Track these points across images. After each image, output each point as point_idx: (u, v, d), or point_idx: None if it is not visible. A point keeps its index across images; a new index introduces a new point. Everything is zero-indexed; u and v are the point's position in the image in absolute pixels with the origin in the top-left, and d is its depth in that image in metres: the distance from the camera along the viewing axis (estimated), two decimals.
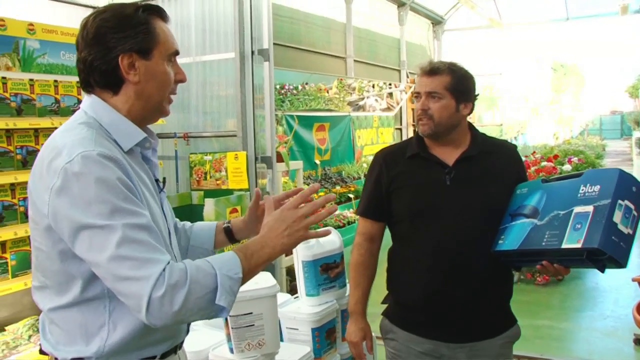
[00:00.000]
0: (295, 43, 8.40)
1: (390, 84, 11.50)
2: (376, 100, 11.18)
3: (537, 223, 1.77)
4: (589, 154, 7.92)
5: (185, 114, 4.99)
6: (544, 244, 1.71)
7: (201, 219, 4.09)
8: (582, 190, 1.71)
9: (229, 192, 4.52)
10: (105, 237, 1.20)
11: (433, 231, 1.94)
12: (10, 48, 3.85)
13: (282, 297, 2.50)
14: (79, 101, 3.73)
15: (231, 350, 1.87)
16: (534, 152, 7.72)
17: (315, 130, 8.79)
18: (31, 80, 3.62)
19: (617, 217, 1.60)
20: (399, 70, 11.91)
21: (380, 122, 10.79)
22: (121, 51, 1.34)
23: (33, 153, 3.42)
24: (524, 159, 7.08)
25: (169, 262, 1.22)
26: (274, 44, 7.57)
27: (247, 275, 1.32)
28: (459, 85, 1.97)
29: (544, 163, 6.28)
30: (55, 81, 3.71)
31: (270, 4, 4.55)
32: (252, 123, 4.56)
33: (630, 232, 1.62)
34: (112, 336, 1.31)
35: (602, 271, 1.67)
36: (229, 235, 1.70)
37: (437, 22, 13.45)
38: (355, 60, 10.03)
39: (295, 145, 8.16)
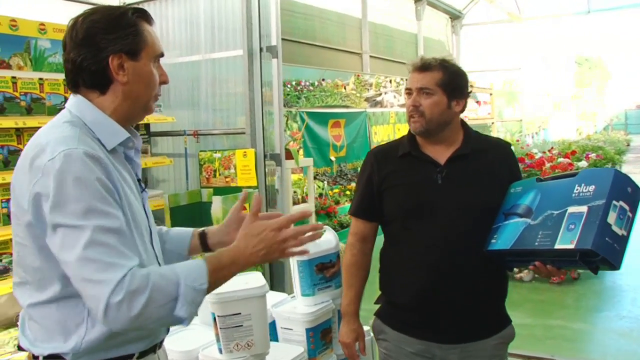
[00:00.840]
0: (309, 39, 8.37)
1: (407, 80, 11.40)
2: (394, 96, 11.11)
3: (531, 223, 1.74)
4: (608, 149, 7.76)
5: (195, 111, 5.00)
6: (536, 244, 1.67)
7: (210, 216, 4.10)
8: (577, 190, 1.67)
9: (238, 189, 4.52)
10: (75, 237, 1.22)
11: (425, 231, 1.91)
12: (22, 48, 3.90)
13: (279, 296, 2.49)
14: None
15: (220, 351, 1.87)
16: (552, 148, 7.59)
17: (330, 126, 8.76)
18: (41, 79, 3.66)
19: (612, 218, 1.56)
20: None
21: (397, 118, 10.71)
22: (111, 52, 1.37)
23: None
24: (539, 155, 7.01)
25: (132, 268, 1.23)
26: (289, 40, 7.59)
27: (213, 286, 1.33)
28: (450, 82, 1.94)
29: (560, 159, 6.18)
30: (65, 80, 3.75)
31: (278, 0, 4.53)
32: (260, 120, 4.55)
33: (625, 233, 1.58)
34: (90, 333, 1.33)
35: (595, 273, 1.65)
36: (203, 242, 1.70)
37: (455, 16, 13.29)
38: (371, 56, 9.95)
39: (310, 141, 8.14)
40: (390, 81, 11.15)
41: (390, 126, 10.47)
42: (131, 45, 1.39)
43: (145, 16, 1.45)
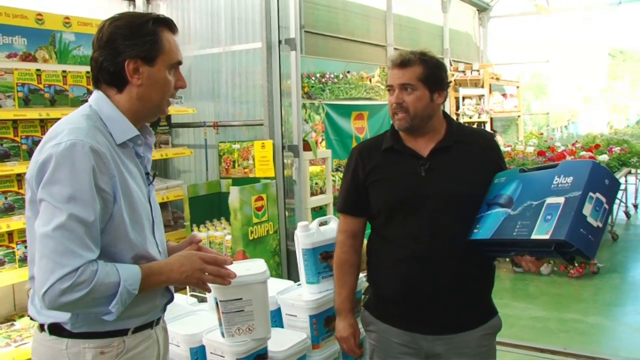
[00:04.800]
0: (333, 32, 8.39)
1: None
2: None
3: (511, 213, 1.78)
4: (634, 143, 7.60)
5: (216, 103, 5.09)
6: (514, 234, 1.71)
7: (228, 206, 4.18)
8: (556, 181, 1.70)
9: (256, 180, 4.60)
10: (51, 216, 1.36)
11: (408, 223, 1.94)
12: (47, 41, 4.03)
13: (286, 283, 2.56)
14: None
15: (222, 335, 1.93)
16: (576, 141, 7.48)
17: (353, 118, 8.77)
18: (64, 71, 3.77)
19: (587, 209, 1.59)
20: (442, 59, 11.73)
21: None
22: (128, 56, 1.51)
23: None
24: (562, 148, 6.93)
25: (88, 260, 1.35)
26: (312, 32, 7.61)
27: (140, 292, 1.45)
28: (431, 75, 1.95)
29: (582, 153, 6.10)
30: (88, 72, 3.84)
31: None
32: (278, 112, 4.61)
33: (600, 225, 1.61)
34: None
35: (571, 264, 1.68)
36: None
37: (482, 8, 13.14)
38: (395, 49, 9.91)
39: (332, 133, 8.17)
40: None
41: None
42: (148, 52, 1.52)
43: (169, 25, 1.59)
